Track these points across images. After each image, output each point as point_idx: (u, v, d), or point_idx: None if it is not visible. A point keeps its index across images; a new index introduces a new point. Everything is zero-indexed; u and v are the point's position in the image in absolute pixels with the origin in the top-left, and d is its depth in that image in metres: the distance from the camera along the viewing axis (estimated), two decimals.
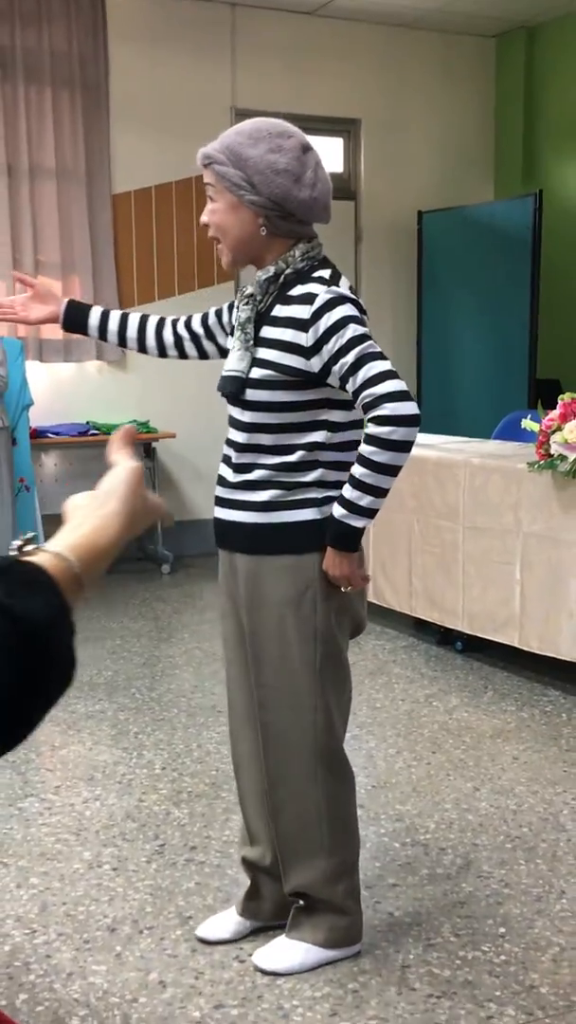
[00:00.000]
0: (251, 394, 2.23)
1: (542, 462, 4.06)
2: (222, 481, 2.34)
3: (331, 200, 2.29)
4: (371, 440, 2.13)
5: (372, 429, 2.13)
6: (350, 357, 2.13)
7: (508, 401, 6.75)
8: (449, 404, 7.49)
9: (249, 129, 2.22)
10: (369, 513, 2.19)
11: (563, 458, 3.95)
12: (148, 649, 5.05)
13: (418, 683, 4.48)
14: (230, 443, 2.31)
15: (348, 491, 2.18)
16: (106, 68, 6.71)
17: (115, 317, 2.57)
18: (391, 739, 3.82)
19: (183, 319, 2.55)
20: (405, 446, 2.14)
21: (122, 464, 1.06)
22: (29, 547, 0.92)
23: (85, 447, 6.52)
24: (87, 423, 6.69)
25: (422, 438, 5.50)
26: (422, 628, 5.10)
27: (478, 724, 4.00)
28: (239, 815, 3.14)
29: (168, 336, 2.57)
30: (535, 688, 4.40)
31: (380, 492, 2.17)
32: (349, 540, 2.21)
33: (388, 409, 2.11)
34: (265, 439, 2.23)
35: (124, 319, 2.57)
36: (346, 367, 2.14)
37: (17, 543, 0.93)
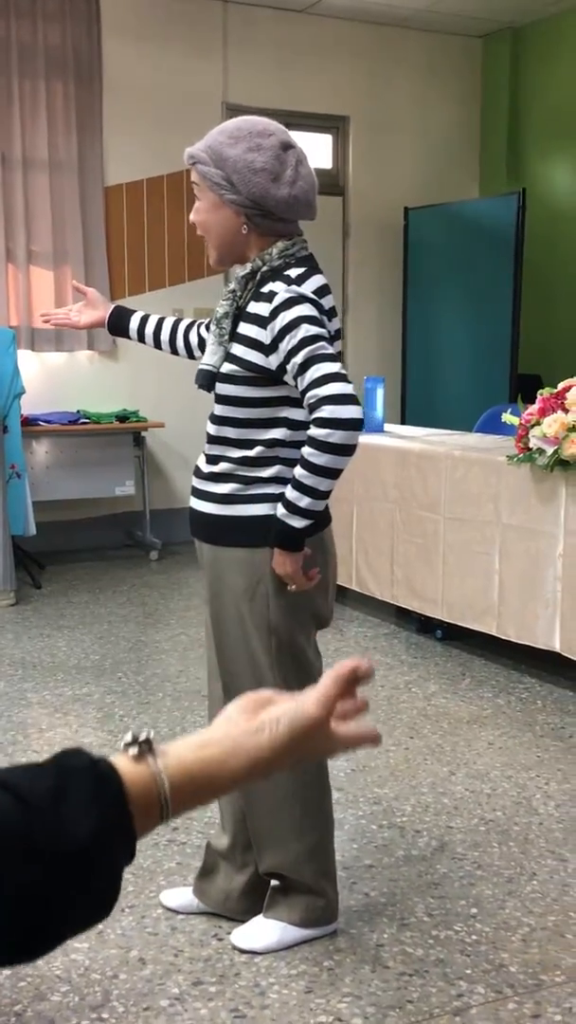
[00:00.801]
0: (220, 388, 2.28)
1: (521, 455, 4.13)
2: (196, 471, 2.40)
3: (315, 197, 2.31)
4: (311, 442, 2.16)
5: (312, 431, 2.15)
6: (300, 357, 2.15)
7: (490, 395, 6.84)
8: (432, 397, 7.58)
9: (231, 128, 2.25)
10: (308, 514, 2.20)
11: (541, 452, 4.02)
12: (135, 634, 5.12)
13: (398, 670, 4.56)
14: (206, 434, 2.38)
15: (289, 491, 2.20)
16: (99, 62, 6.78)
17: (152, 321, 2.66)
18: (370, 724, 3.89)
19: (207, 322, 2.58)
20: (344, 449, 2.15)
21: (309, 704, 0.88)
22: (133, 749, 0.82)
23: (76, 435, 6.62)
24: (78, 412, 6.77)
25: (405, 430, 5.61)
26: (403, 616, 5.19)
27: (455, 710, 4.08)
28: None
29: (193, 338, 2.65)
30: (512, 676, 4.49)
31: (319, 494, 2.19)
32: (290, 540, 2.22)
33: (327, 412, 2.13)
34: (231, 432, 2.29)
35: (159, 323, 2.66)
36: (296, 366, 2.16)
37: (127, 739, 0.82)
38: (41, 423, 6.50)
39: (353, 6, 7.23)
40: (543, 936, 2.52)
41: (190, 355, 2.67)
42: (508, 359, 7.06)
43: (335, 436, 2.13)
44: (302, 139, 8.20)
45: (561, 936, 2.52)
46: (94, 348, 6.97)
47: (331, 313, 2.30)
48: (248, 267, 2.27)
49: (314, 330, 2.16)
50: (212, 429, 2.33)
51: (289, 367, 2.18)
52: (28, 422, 6.35)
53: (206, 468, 2.35)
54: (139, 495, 6.94)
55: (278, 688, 2.23)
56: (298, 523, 2.21)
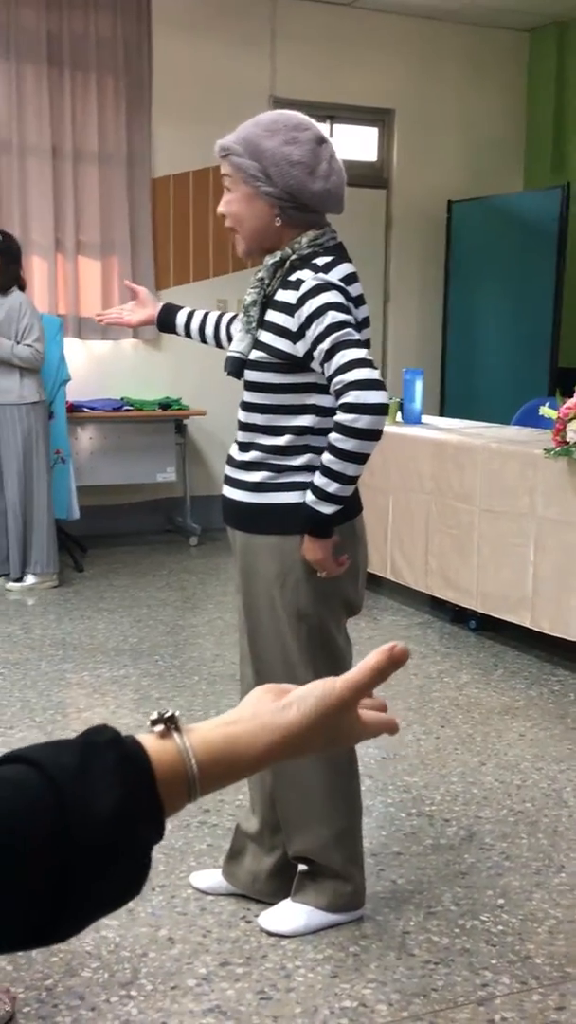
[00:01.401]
0: (249, 375, 2.32)
1: (558, 448, 4.14)
2: (229, 459, 2.44)
3: (345, 191, 2.35)
4: (338, 427, 2.18)
5: (339, 416, 2.18)
6: (326, 343, 2.17)
7: (529, 388, 6.83)
8: (471, 389, 7.58)
9: (266, 121, 2.26)
10: (337, 500, 2.22)
11: None
12: (173, 618, 5.18)
13: (431, 659, 4.58)
14: (237, 421, 2.41)
15: (317, 477, 2.22)
16: (149, 55, 6.84)
17: (197, 317, 2.71)
18: (402, 712, 3.93)
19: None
20: (370, 434, 2.17)
21: (337, 683, 0.87)
22: (159, 727, 0.81)
23: (119, 422, 6.71)
24: (121, 399, 6.85)
25: (442, 422, 5.62)
26: (437, 606, 5.21)
27: (487, 700, 4.10)
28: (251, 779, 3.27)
29: (234, 331, 2.67)
30: (544, 668, 4.50)
31: (346, 479, 2.21)
32: (320, 526, 2.25)
33: (353, 397, 2.15)
34: (259, 419, 2.32)
35: (204, 318, 2.70)
36: (322, 353, 2.18)
37: (153, 716, 0.82)
38: (86, 409, 6.59)
39: (400, 0, 7.22)
40: (570, 928, 2.54)
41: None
42: (548, 352, 7.05)
43: (361, 421, 2.16)
44: (347, 132, 8.17)
45: None
46: (138, 337, 7.04)
47: (359, 300, 2.32)
48: (277, 255, 2.29)
49: (340, 317, 2.18)
50: (242, 416, 2.37)
51: (316, 354, 2.20)
52: (73, 408, 6.44)
53: (238, 456, 2.37)
54: (180, 481, 7.01)
55: (308, 674, 2.26)
56: (327, 509, 2.23)
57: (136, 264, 6.92)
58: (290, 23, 7.22)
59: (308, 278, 2.21)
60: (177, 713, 0.81)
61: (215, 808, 3.12)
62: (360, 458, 2.19)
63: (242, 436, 2.37)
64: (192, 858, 2.83)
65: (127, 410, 6.71)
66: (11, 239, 5.55)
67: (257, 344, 2.29)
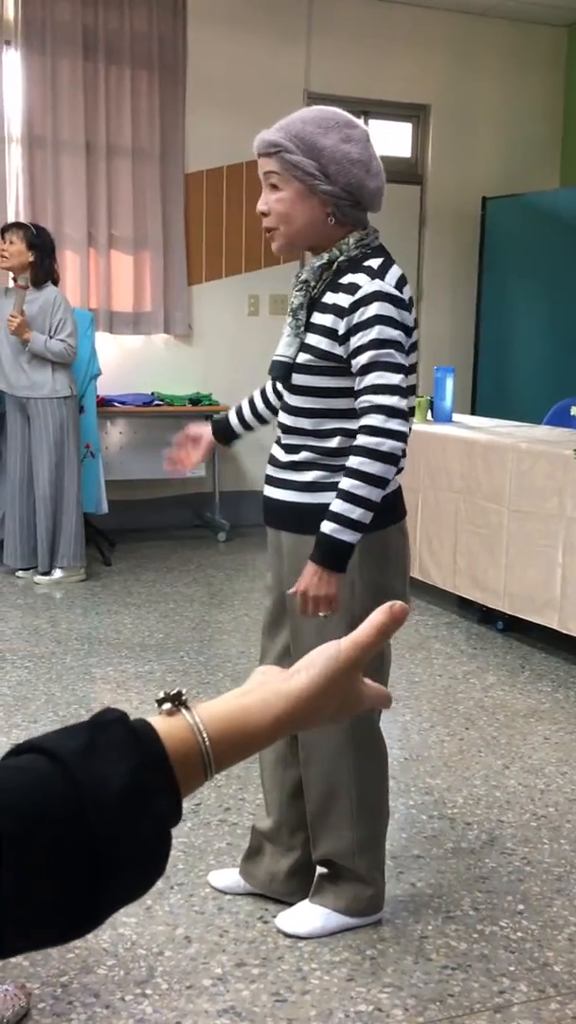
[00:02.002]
0: (296, 378, 2.30)
1: None
2: (273, 460, 2.42)
3: None
4: (362, 451, 2.16)
5: (362, 440, 2.16)
6: (365, 358, 2.17)
7: (562, 387, 6.76)
8: (504, 388, 7.53)
9: (316, 118, 2.22)
10: (359, 527, 2.17)
11: None
12: (199, 614, 5.18)
13: (457, 660, 4.56)
14: (280, 425, 2.39)
15: (339, 505, 2.17)
16: (184, 49, 6.84)
17: (245, 406, 2.65)
18: (426, 713, 3.91)
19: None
20: (394, 459, 2.17)
21: (343, 645, 0.86)
22: (167, 705, 0.79)
23: (149, 417, 6.72)
24: (152, 394, 6.86)
25: (473, 420, 5.58)
26: (465, 606, 5.18)
27: (513, 703, 4.07)
28: None
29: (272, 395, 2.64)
30: (572, 670, 4.47)
31: (371, 505, 2.17)
32: (339, 557, 2.18)
33: (378, 421, 2.16)
34: (307, 423, 2.30)
35: (251, 403, 2.65)
36: (360, 366, 2.18)
37: (159, 696, 0.80)
38: (116, 404, 6.61)
39: None
40: None
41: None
42: None
43: (386, 445, 2.15)
44: (382, 127, 8.10)
45: None
46: (170, 332, 7.04)
47: (410, 303, 2.29)
48: (324, 257, 2.26)
49: (387, 333, 2.17)
50: (288, 420, 2.34)
51: (354, 362, 2.19)
52: (104, 403, 6.46)
53: (284, 457, 2.35)
54: (209, 477, 7.01)
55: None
56: (350, 537, 2.17)
57: (168, 259, 6.93)
58: (326, 17, 7.19)
59: (364, 283, 2.19)
60: (184, 690, 0.80)
61: (236, 807, 3.11)
62: (383, 483, 2.18)
63: (288, 439, 2.35)
64: (212, 856, 2.83)
65: (157, 405, 6.72)
66: (45, 233, 5.57)
67: (304, 347, 2.27)
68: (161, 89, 6.76)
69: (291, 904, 2.54)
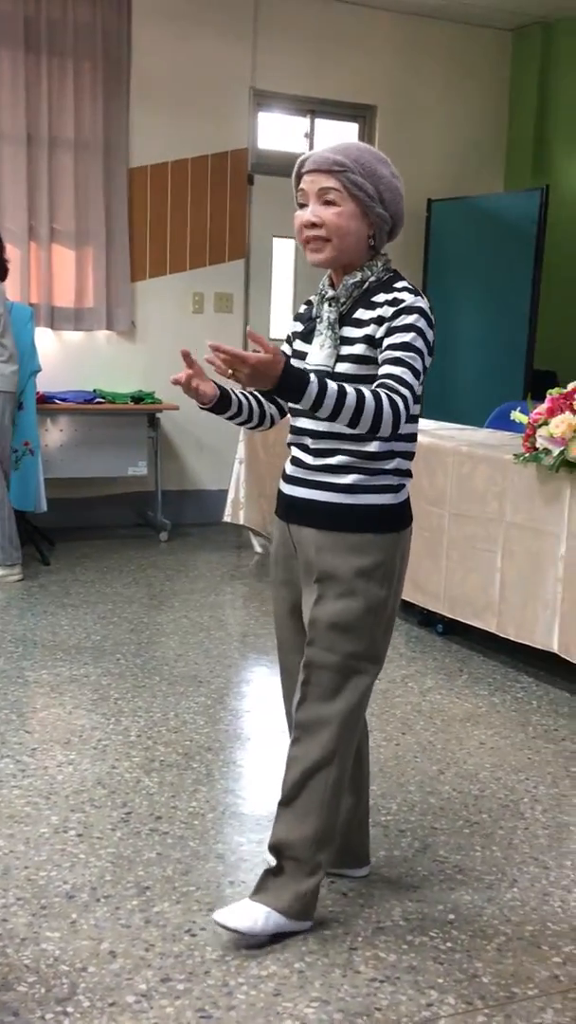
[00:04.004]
0: None
1: (528, 455, 4.10)
2: (298, 463, 2.49)
3: None
4: (378, 398, 2.21)
5: (382, 394, 2.22)
6: (397, 352, 2.30)
7: (504, 390, 6.81)
8: (448, 391, 7.55)
9: (367, 148, 2.43)
10: (316, 406, 2.18)
11: (548, 452, 3.98)
12: (138, 615, 5.13)
13: (396, 663, 4.55)
14: (303, 431, 2.46)
15: (350, 394, 2.18)
16: (128, 43, 6.77)
17: (248, 395, 2.60)
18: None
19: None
20: (377, 428, 2.22)
21: None
22: None
23: (91, 415, 6.62)
24: (94, 391, 6.77)
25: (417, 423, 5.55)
26: (405, 609, 5.17)
27: (450, 707, 4.07)
28: (207, 787, 3.26)
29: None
30: (508, 674, 4.48)
31: (341, 415, 2.19)
32: (292, 391, 2.17)
33: (387, 404, 2.21)
34: (344, 429, 2.33)
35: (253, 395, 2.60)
36: (387, 359, 2.31)
37: None
38: (57, 401, 6.52)
39: None
40: (519, 946, 2.51)
41: (273, 420, 2.64)
42: (524, 355, 7.02)
43: (387, 416, 2.21)
44: (328, 127, 8.05)
45: (537, 947, 2.51)
46: (113, 328, 6.97)
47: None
48: (357, 275, 2.42)
49: (419, 343, 2.33)
50: (319, 426, 2.40)
51: (382, 356, 2.32)
52: (44, 400, 6.37)
53: (316, 461, 2.44)
54: (152, 476, 6.96)
55: (365, 663, 2.43)
56: (305, 400, 2.17)
57: (111, 255, 6.85)
58: (272, 15, 7.15)
59: (408, 299, 2.36)
60: None
61: (168, 815, 3.07)
62: (358, 423, 2.21)
63: (319, 443, 2.43)
64: (140, 867, 2.78)
65: (99, 402, 6.64)
66: None
67: (341, 358, 2.39)
68: (105, 82, 6.69)
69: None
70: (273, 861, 2.56)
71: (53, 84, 6.55)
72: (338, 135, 7.56)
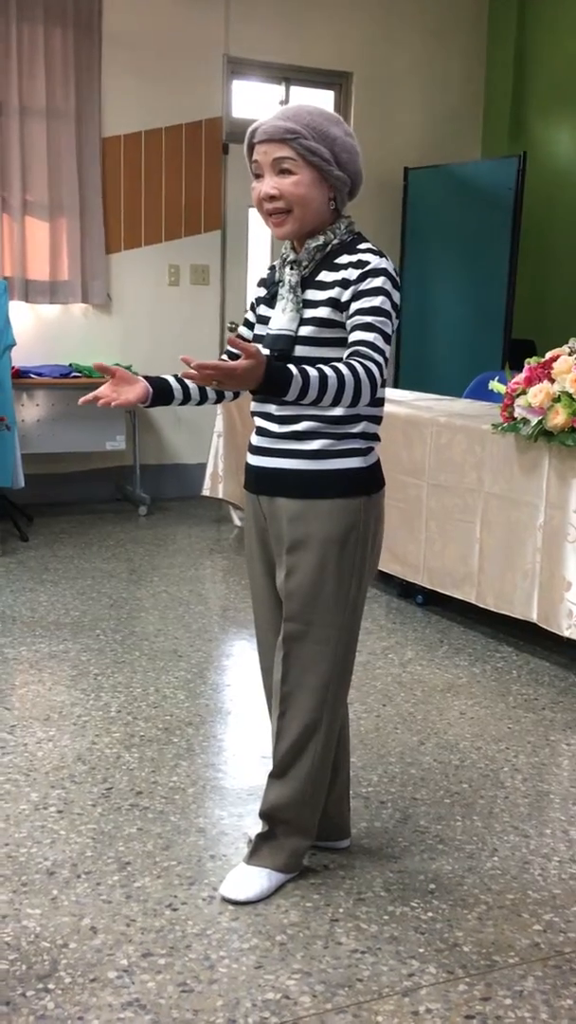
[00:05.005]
0: (300, 350, 2.34)
1: (505, 424, 4.09)
2: (263, 432, 2.46)
3: None
4: (352, 370, 2.18)
5: (356, 364, 2.19)
6: (367, 317, 2.26)
7: (483, 360, 6.79)
8: (426, 361, 7.53)
9: (318, 111, 2.36)
10: (299, 396, 2.14)
11: (526, 421, 3.97)
12: (117, 591, 5.11)
13: (376, 635, 4.55)
14: (266, 399, 2.41)
15: (328, 374, 2.14)
16: (99, 9, 6.68)
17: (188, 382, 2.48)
18: None
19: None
20: (354, 398, 2.19)
21: None
22: None
23: (67, 389, 6.56)
24: (70, 365, 6.72)
25: (394, 394, 5.56)
26: (385, 580, 5.17)
27: (430, 678, 4.07)
28: (188, 761, 3.25)
29: None
30: (489, 644, 4.48)
31: (321, 396, 2.15)
32: (275, 386, 2.12)
33: (366, 367, 2.19)
34: None
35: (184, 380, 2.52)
36: (357, 324, 2.27)
37: None
38: (32, 376, 6.46)
39: None
40: (499, 915, 2.52)
41: (223, 396, 2.62)
42: (502, 324, 7.00)
43: (365, 386, 2.19)
44: (304, 95, 7.95)
45: (517, 915, 2.52)
46: (88, 301, 6.90)
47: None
48: (320, 239, 2.38)
49: (387, 305, 2.29)
50: None
51: (350, 321, 2.28)
52: (19, 374, 6.31)
53: (281, 428, 2.42)
54: (130, 450, 6.92)
55: (343, 631, 2.43)
56: (294, 394, 2.13)
57: (85, 226, 6.78)
58: None
59: (373, 260, 2.31)
60: None
61: (148, 791, 3.06)
62: (338, 400, 2.18)
63: (282, 410, 2.40)
64: (121, 842, 2.77)
65: (75, 377, 6.59)
66: None
67: (304, 321, 2.34)
68: (76, 49, 6.59)
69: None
70: (254, 835, 2.56)
71: (23, 52, 6.45)
72: (315, 103, 7.47)
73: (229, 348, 2.34)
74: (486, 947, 2.39)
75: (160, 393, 2.45)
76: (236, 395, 2.65)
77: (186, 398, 2.52)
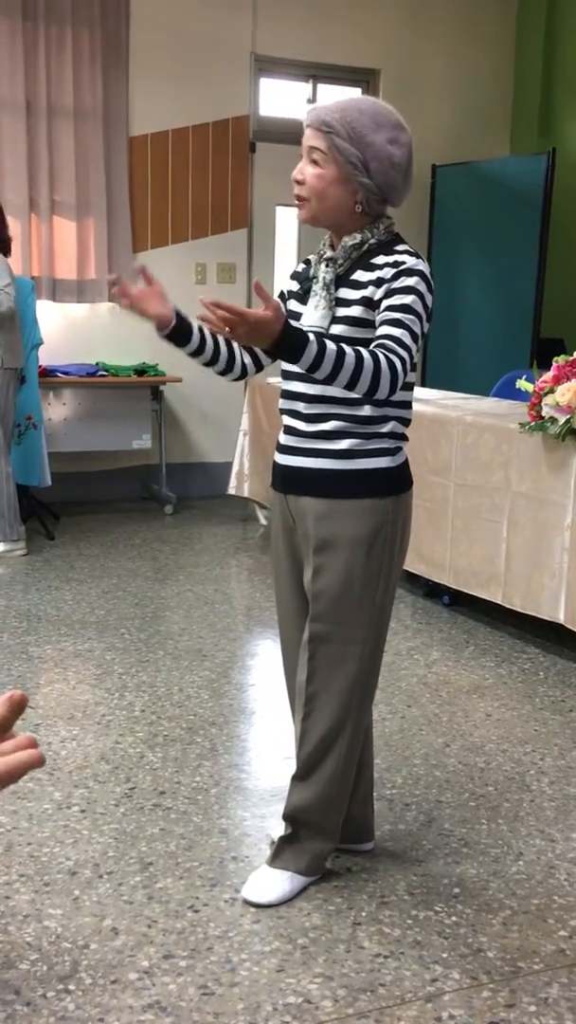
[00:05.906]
0: None
1: (533, 423, 4.05)
2: (292, 431, 2.43)
3: None
4: (376, 358, 2.13)
5: (380, 355, 2.14)
6: (396, 314, 2.23)
7: (511, 359, 6.73)
8: (453, 359, 7.48)
9: (370, 111, 2.30)
10: (314, 367, 2.09)
11: (554, 420, 3.93)
12: (142, 589, 5.10)
13: (402, 635, 4.52)
14: (295, 395, 2.40)
15: (348, 354, 2.09)
16: (127, 9, 6.67)
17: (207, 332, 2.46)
18: None
19: None
20: (375, 390, 2.14)
21: None
22: None
23: (94, 387, 6.56)
24: (96, 364, 6.71)
25: (421, 393, 5.53)
26: (411, 580, 5.14)
27: (456, 679, 4.04)
28: (211, 761, 3.23)
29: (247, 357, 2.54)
30: (515, 645, 4.45)
31: (339, 377, 2.11)
32: (291, 351, 2.07)
33: (385, 366, 2.14)
34: (336, 392, 2.30)
35: (226, 341, 2.49)
36: (386, 320, 2.23)
37: None
38: (59, 375, 6.47)
39: None
40: (524, 920, 2.49)
41: (258, 369, 2.57)
42: (531, 322, 6.95)
43: (385, 377, 2.14)
44: (331, 92, 7.94)
45: (543, 921, 2.49)
46: (115, 300, 6.88)
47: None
48: (357, 237, 2.35)
49: (419, 306, 2.26)
50: (313, 389, 2.35)
51: (380, 316, 2.25)
52: (46, 373, 6.32)
53: (309, 427, 2.39)
54: (156, 449, 6.91)
55: (369, 630, 2.41)
56: (303, 361, 2.07)
57: (112, 225, 6.79)
58: None
59: (409, 261, 2.29)
60: None
61: (171, 791, 3.05)
62: (355, 386, 2.12)
63: (312, 408, 2.38)
64: (144, 843, 2.76)
65: (102, 376, 6.60)
66: None
67: (336, 320, 2.32)
68: (104, 50, 6.60)
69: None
70: (276, 837, 2.55)
71: (52, 52, 6.47)
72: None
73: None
74: (511, 953, 2.36)
75: (180, 329, 2.37)
76: (258, 368, 2.56)
77: (202, 346, 2.42)
